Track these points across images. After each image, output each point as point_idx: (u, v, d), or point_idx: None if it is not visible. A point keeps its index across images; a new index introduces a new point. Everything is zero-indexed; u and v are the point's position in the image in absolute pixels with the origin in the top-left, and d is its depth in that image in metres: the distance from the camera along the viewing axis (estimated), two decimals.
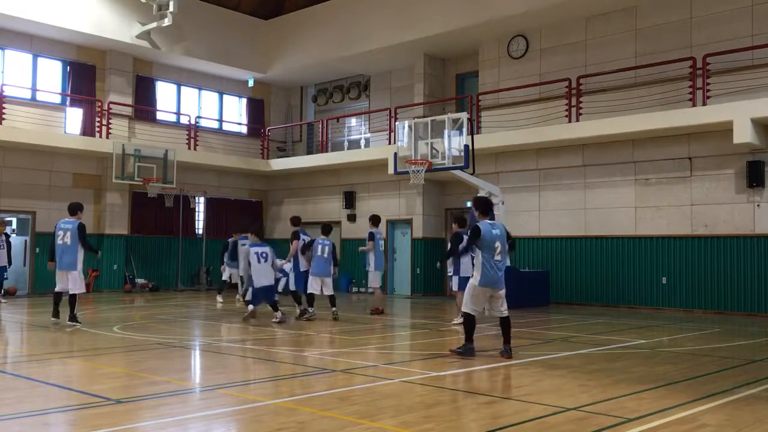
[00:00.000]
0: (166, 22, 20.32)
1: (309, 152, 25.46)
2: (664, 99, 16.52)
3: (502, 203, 17.29)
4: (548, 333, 11.89)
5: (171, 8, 20.04)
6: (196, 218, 23.94)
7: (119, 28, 20.95)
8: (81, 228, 11.80)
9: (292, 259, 13.86)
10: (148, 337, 10.72)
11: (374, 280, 14.84)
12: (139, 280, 21.78)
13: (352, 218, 23.03)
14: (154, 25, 20.68)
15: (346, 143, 24.33)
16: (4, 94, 19.58)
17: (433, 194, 21.25)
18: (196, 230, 23.86)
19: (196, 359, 9.28)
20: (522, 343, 10.65)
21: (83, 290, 12.11)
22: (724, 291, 15.84)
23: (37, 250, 19.98)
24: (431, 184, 20.40)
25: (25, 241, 20.22)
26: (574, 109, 17.66)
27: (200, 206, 24.05)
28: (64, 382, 7.22)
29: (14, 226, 20.49)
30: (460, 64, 21.89)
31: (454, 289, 12.74)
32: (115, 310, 15.71)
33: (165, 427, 5.33)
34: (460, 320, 12.41)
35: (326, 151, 23.71)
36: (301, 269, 13.76)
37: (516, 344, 10.51)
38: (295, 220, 14.71)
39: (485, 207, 8.89)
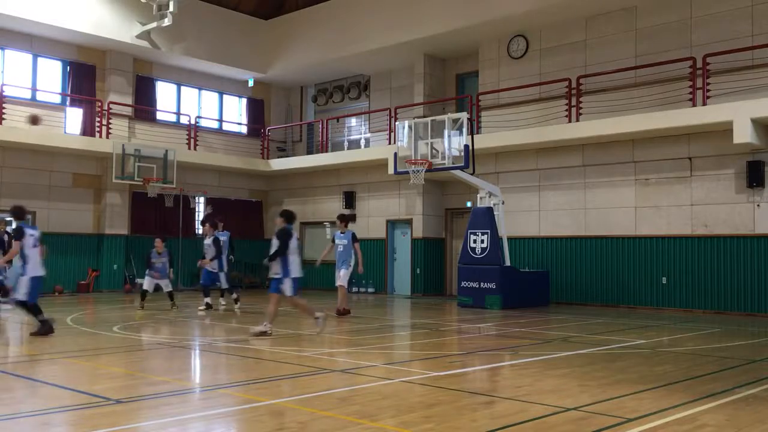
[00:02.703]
0: (166, 22, 20.31)
1: (309, 152, 25.45)
2: (664, 99, 16.51)
3: (502, 203, 17.33)
4: (548, 333, 11.88)
5: (171, 8, 20.03)
6: (196, 218, 23.92)
7: (119, 28, 20.94)
8: None
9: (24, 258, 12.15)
10: (148, 337, 10.72)
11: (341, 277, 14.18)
12: (139, 280, 21.72)
13: (351, 218, 23.01)
14: (154, 25, 20.67)
15: (346, 143, 24.32)
16: (4, 94, 19.57)
17: (433, 194, 21.24)
18: (196, 230, 23.84)
19: (196, 359, 9.28)
20: (522, 343, 10.65)
21: None
22: (724, 291, 15.83)
23: None
24: (431, 184, 20.40)
25: None
26: (574, 109, 17.66)
27: (200, 206, 24.05)
28: (64, 382, 7.21)
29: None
30: (460, 64, 21.89)
31: (287, 294, 10.64)
32: (115, 310, 15.72)
33: (165, 427, 5.33)
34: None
35: (326, 151, 23.71)
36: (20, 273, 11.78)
37: (516, 344, 10.53)
38: (209, 224, 16.40)
39: None
